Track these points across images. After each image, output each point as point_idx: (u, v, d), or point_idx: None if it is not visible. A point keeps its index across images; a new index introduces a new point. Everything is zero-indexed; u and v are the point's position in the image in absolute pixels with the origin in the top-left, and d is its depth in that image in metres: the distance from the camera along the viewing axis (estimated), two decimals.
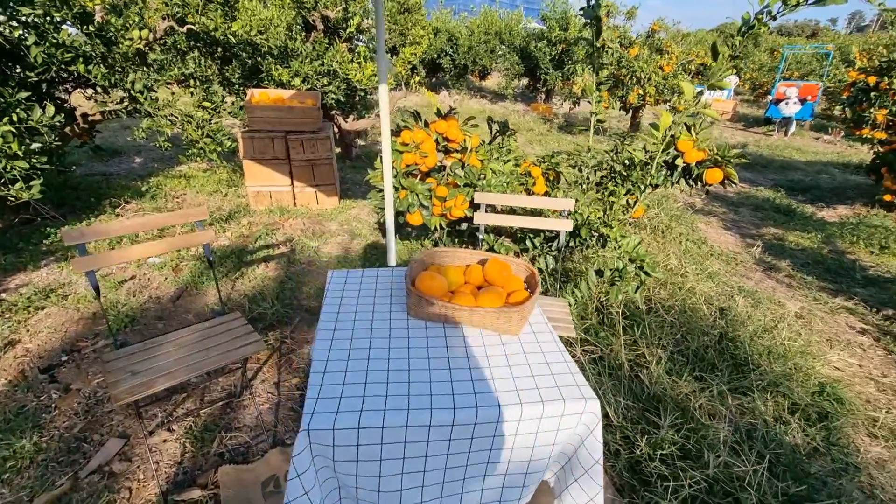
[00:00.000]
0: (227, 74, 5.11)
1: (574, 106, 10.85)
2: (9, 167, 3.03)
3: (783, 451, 1.98)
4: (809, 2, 2.11)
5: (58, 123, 3.23)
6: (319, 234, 4.09)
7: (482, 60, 13.71)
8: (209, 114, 4.20)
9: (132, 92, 3.71)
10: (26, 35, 3.16)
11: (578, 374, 1.26)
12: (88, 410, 2.11)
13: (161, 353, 1.73)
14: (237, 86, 5.20)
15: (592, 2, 2.73)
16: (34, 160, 3.13)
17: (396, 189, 2.69)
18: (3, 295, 2.92)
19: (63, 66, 3.41)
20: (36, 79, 3.40)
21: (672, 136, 2.89)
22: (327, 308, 1.50)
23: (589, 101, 3.01)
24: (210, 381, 2.35)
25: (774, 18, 2.09)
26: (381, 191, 2.82)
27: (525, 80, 14.21)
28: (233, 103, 4.72)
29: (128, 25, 3.61)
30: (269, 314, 2.87)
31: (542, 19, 12.20)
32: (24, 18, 3.19)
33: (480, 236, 2.35)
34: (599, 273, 2.61)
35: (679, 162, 2.89)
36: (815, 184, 6.72)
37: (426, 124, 2.71)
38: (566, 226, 2.25)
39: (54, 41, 3.30)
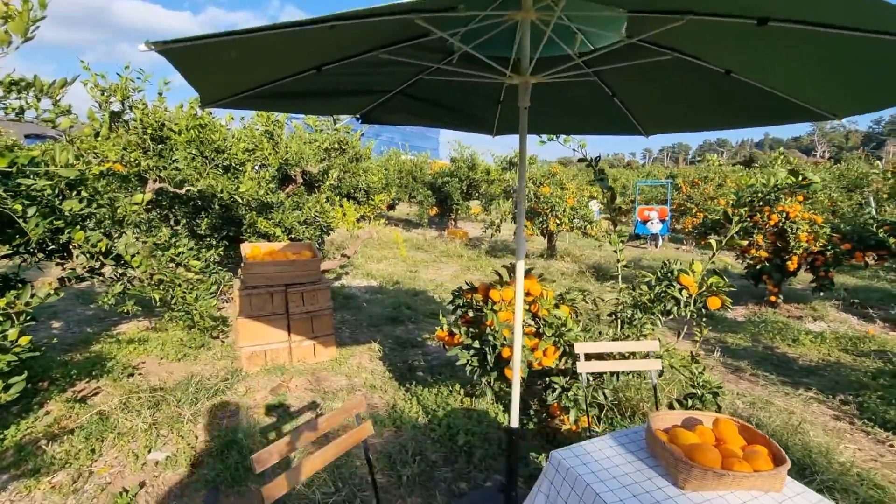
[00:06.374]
0: (194, 228, 4.86)
1: (497, 233, 12.09)
2: None
3: None
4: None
5: (50, 301, 2.73)
6: (333, 392, 3.77)
7: (398, 194, 14.84)
8: (198, 273, 3.88)
9: (124, 257, 3.34)
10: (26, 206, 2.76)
11: None
12: None
13: None
14: (206, 237, 4.93)
15: None
16: (17, 350, 2.54)
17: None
18: None
19: (53, 234, 2.99)
20: (12, 252, 2.90)
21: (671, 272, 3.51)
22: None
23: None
24: None
25: None
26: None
27: (435, 210, 15.61)
28: (219, 254, 4.44)
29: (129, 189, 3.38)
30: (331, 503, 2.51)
31: (451, 160, 13.97)
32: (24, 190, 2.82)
33: (583, 385, 2.50)
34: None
35: (683, 294, 3.49)
36: None
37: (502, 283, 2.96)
38: (656, 365, 2.53)
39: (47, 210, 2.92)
